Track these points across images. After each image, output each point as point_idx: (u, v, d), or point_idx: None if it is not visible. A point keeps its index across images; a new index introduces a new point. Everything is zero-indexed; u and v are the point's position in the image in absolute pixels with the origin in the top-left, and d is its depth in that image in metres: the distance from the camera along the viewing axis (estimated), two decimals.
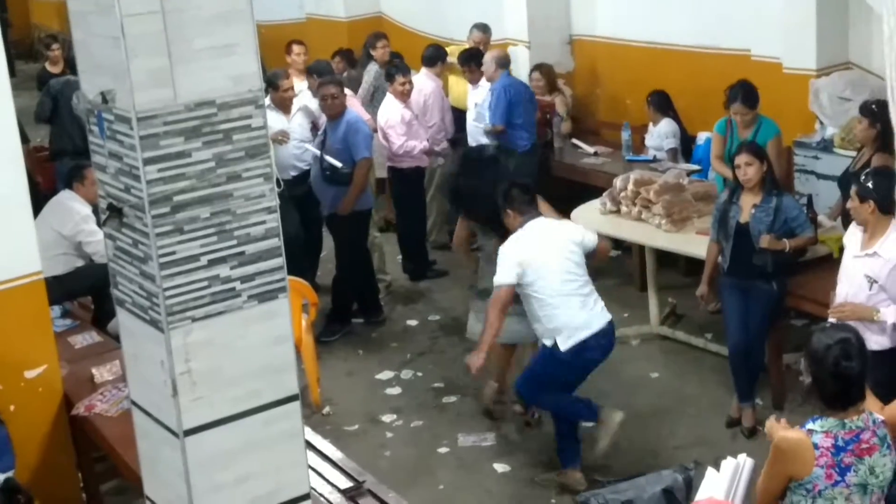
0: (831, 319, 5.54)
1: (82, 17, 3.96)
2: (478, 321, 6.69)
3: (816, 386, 3.94)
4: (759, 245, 6.32)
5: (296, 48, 10.42)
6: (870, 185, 5.46)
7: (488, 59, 9.25)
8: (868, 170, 5.96)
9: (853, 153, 7.42)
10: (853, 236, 5.68)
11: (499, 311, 5.95)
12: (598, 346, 6.09)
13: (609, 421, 6.19)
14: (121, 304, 4.21)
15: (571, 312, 5.98)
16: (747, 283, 6.46)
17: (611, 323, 6.15)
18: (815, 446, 3.86)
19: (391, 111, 9.14)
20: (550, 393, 6.21)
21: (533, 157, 9.21)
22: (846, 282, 5.65)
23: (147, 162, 3.79)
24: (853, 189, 5.57)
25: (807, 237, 6.46)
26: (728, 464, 4.40)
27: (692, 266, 8.31)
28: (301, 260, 8.14)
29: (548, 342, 6.06)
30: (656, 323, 7.92)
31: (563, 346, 5.97)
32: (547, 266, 5.97)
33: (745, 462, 4.40)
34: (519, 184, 6.26)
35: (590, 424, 6.33)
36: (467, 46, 10.13)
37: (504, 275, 5.94)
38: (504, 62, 9.28)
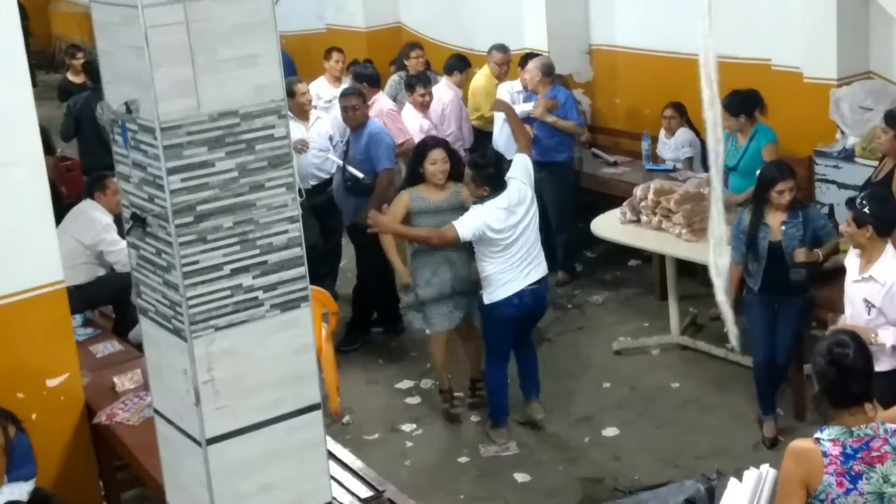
0: None
1: (107, 28, 3.98)
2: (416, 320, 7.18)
3: (820, 385, 3.95)
4: (795, 260, 6.29)
5: (335, 55, 10.58)
6: (867, 210, 5.41)
7: (533, 67, 9.13)
8: (863, 193, 5.88)
9: (874, 163, 7.39)
10: (852, 260, 5.65)
11: (437, 240, 6.76)
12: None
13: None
14: (144, 313, 4.23)
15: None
16: (780, 299, 6.45)
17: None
18: (824, 454, 3.86)
19: (410, 121, 9.16)
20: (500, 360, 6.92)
21: (572, 168, 9.23)
22: (848, 306, 5.64)
23: (171, 172, 3.81)
24: (849, 214, 5.52)
25: (834, 242, 6.45)
26: (751, 474, 4.37)
27: None
28: (320, 269, 8.15)
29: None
30: (677, 332, 7.90)
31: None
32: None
33: (767, 473, 4.37)
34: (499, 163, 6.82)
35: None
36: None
37: (462, 227, 6.57)
38: (550, 70, 9.15)
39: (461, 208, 6.81)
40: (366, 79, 9.29)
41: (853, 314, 5.58)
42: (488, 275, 6.64)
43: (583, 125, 9.09)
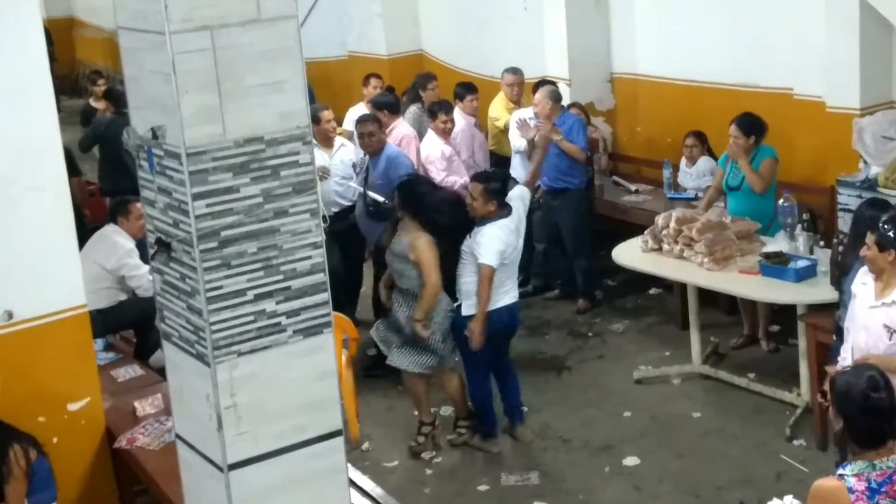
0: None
1: (134, 54, 4.01)
2: (390, 350, 7.11)
3: (847, 427, 3.91)
4: None
5: (373, 81, 10.76)
6: (892, 234, 5.26)
7: (542, 97, 9.15)
8: (887, 216, 5.76)
9: None
10: (864, 285, 5.48)
11: (489, 286, 6.76)
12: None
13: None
14: (167, 337, 4.24)
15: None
16: None
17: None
18: (850, 490, 3.82)
19: (432, 147, 9.18)
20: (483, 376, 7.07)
21: (588, 194, 9.24)
22: (863, 333, 5.44)
23: (196, 197, 3.83)
24: (870, 237, 5.36)
25: None
26: None
27: (735, 304, 8.29)
28: (340, 295, 8.15)
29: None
30: (698, 362, 7.86)
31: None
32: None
33: None
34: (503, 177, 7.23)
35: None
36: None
37: (492, 258, 6.73)
38: (558, 97, 9.16)
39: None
40: (385, 106, 9.34)
41: (868, 341, 5.39)
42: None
43: (585, 150, 9.09)
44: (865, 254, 5.40)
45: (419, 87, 10.70)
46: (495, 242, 6.74)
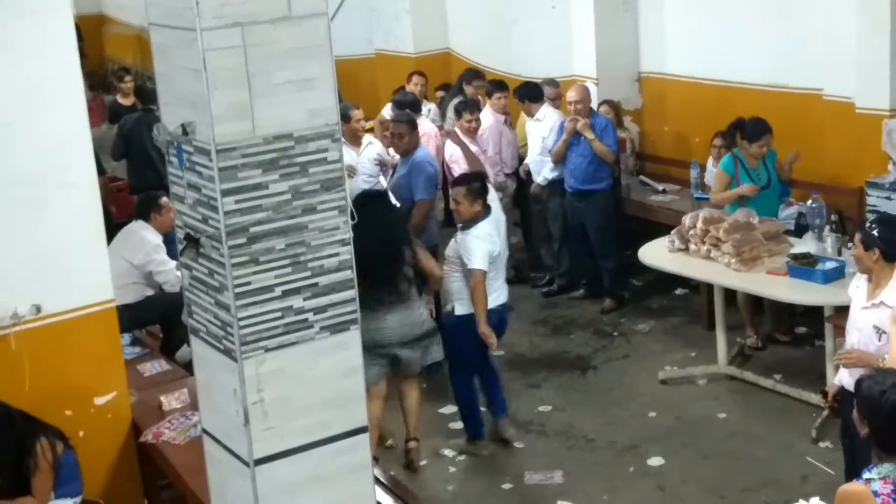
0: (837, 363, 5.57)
1: (165, 50, 4.02)
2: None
3: (873, 434, 3.89)
4: None
5: (415, 78, 10.90)
6: (875, 232, 5.35)
7: (584, 93, 9.20)
8: (874, 217, 5.81)
9: None
10: (858, 288, 5.56)
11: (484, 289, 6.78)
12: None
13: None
14: (195, 332, 4.26)
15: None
16: None
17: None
18: (876, 494, 3.81)
19: (455, 146, 9.19)
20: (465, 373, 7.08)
21: (612, 195, 9.24)
22: (855, 333, 5.52)
23: (225, 193, 3.84)
24: (857, 236, 5.46)
25: None
26: None
27: (761, 305, 8.25)
28: None
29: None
30: (724, 362, 7.83)
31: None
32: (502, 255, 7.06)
33: None
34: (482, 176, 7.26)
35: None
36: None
37: (481, 262, 6.75)
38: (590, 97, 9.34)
39: None
40: (407, 105, 9.38)
41: (860, 340, 5.45)
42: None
43: (614, 152, 9.14)
44: (853, 252, 5.55)
45: (464, 82, 10.73)
46: (482, 244, 6.79)
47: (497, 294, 6.99)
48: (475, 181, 7.03)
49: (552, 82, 10.13)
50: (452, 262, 6.92)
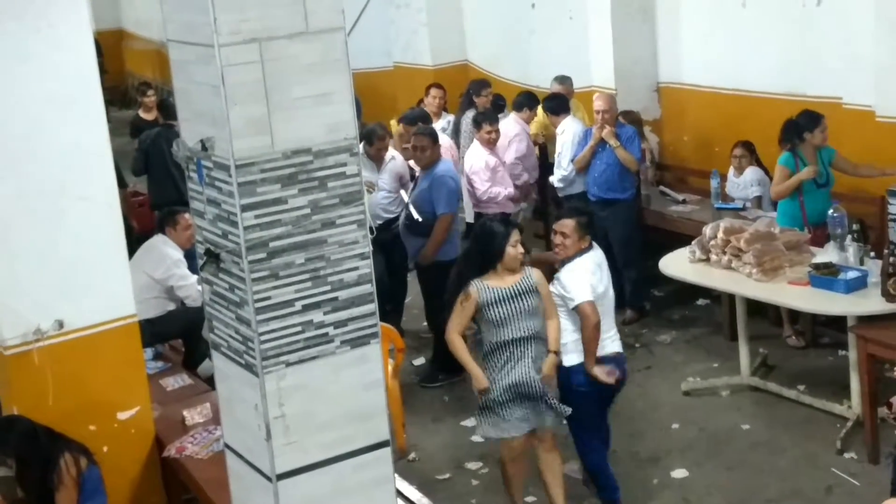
0: None
1: (183, 66, 4.05)
2: None
3: None
4: None
5: (433, 91, 10.92)
6: None
7: (611, 102, 9.14)
8: None
9: None
10: None
11: (595, 322, 5.97)
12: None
13: None
14: (216, 347, 4.27)
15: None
16: None
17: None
18: None
19: (476, 157, 9.20)
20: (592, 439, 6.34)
21: (635, 204, 9.23)
22: None
23: (245, 208, 3.85)
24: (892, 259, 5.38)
25: None
26: None
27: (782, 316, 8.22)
28: (385, 305, 8.16)
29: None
30: (747, 373, 7.79)
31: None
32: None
33: None
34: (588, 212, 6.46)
35: None
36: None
37: (586, 293, 5.99)
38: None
39: (533, 291, 5.97)
40: (419, 120, 9.42)
41: None
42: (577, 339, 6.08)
43: (640, 161, 9.15)
44: None
45: (473, 93, 10.76)
46: (583, 276, 6.03)
47: (609, 340, 6.18)
48: (583, 214, 6.25)
49: (563, 79, 10.14)
50: (560, 308, 6.10)
